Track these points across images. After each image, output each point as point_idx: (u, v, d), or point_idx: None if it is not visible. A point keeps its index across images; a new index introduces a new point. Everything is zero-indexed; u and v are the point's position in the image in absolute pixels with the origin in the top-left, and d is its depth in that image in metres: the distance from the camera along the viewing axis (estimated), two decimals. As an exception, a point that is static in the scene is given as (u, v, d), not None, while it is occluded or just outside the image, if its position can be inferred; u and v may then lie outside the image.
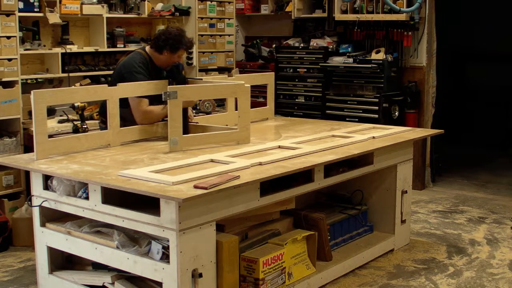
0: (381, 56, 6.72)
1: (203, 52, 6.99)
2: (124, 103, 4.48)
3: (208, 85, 4.62)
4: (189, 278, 3.34)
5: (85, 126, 4.59)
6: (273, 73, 6.09)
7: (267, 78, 5.69)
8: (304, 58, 7.28)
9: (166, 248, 3.39)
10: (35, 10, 5.44)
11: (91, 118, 5.40)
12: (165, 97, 4.14)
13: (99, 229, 3.75)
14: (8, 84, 5.13)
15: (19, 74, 5.20)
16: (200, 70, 6.95)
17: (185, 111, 4.40)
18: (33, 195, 3.97)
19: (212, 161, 3.88)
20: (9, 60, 5.12)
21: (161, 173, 3.53)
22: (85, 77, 5.94)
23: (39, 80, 5.62)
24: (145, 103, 4.57)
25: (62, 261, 4.11)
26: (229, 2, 7.34)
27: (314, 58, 7.19)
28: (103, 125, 4.56)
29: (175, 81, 4.62)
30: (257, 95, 6.67)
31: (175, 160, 3.89)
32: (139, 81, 4.53)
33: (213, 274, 3.50)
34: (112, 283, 3.72)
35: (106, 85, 4.40)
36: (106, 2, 6.07)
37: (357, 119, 6.55)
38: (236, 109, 4.78)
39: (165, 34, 4.68)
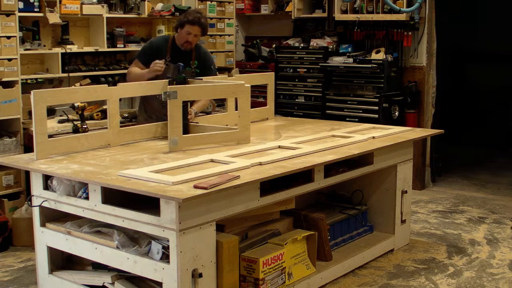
0: (381, 56, 6.72)
1: (203, 52, 6.98)
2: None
3: (208, 85, 4.62)
4: (189, 278, 3.34)
5: (85, 126, 4.59)
6: (273, 73, 6.09)
7: (267, 78, 5.69)
8: (304, 58, 7.28)
9: (166, 248, 3.39)
10: (35, 10, 5.44)
11: (91, 118, 5.40)
12: (165, 97, 4.14)
13: (99, 229, 3.75)
14: (8, 84, 5.13)
15: (19, 74, 5.20)
16: (200, 70, 6.94)
17: (185, 110, 4.41)
18: (33, 195, 3.97)
19: (212, 161, 3.88)
20: (9, 60, 5.12)
21: (161, 173, 3.53)
22: (85, 77, 5.94)
23: (39, 80, 5.61)
24: (133, 64, 5.11)
25: (62, 261, 4.11)
26: (229, 2, 7.34)
27: (314, 58, 7.19)
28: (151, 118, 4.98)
29: (175, 81, 4.63)
30: (257, 95, 6.67)
31: (175, 160, 3.89)
32: (137, 58, 5.13)
33: (213, 274, 3.50)
34: (112, 283, 3.72)
35: (106, 85, 4.40)
36: (106, 2, 6.06)
37: (357, 119, 6.55)
38: (236, 109, 4.79)
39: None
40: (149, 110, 5.13)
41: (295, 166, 3.81)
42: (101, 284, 3.78)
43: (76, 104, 4.60)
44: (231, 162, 3.79)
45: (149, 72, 4.86)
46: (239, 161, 3.79)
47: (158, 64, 4.81)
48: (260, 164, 3.80)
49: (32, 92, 3.91)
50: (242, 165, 3.70)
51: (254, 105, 5.20)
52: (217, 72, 5.53)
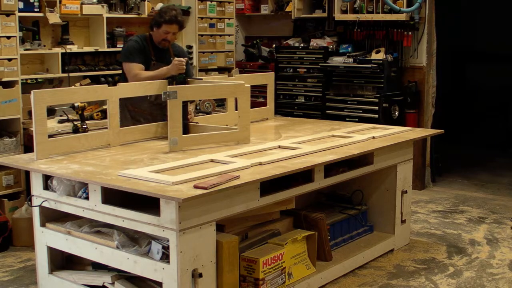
0: (381, 56, 6.72)
1: (203, 52, 6.99)
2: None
3: (208, 85, 4.62)
4: (189, 278, 3.34)
5: (85, 126, 4.59)
6: (273, 73, 6.09)
7: (267, 78, 5.69)
8: (304, 58, 7.28)
9: (166, 248, 3.39)
10: (35, 10, 5.44)
11: (91, 118, 5.39)
12: (165, 97, 4.14)
13: (99, 229, 3.75)
14: (8, 84, 5.13)
15: (19, 74, 5.20)
16: (200, 70, 6.95)
17: (185, 110, 4.41)
18: (33, 195, 3.97)
19: (212, 161, 3.88)
20: (9, 60, 5.12)
21: (161, 173, 3.53)
22: (85, 77, 5.94)
23: (39, 80, 5.61)
24: (136, 67, 4.81)
25: (62, 261, 4.11)
26: (229, 2, 7.34)
27: (314, 58, 7.19)
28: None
29: (175, 81, 4.63)
30: (257, 95, 6.67)
31: (175, 160, 3.89)
32: (132, 60, 4.83)
33: (213, 274, 3.50)
34: (112, 283, 3.72)
35: (106, 85, 4.40)
36: (106, 2, 6.07)
37: (357, 119, 6.55)
38: (236, 109, 4.79)
39: (157, 12, 5.00)
40: (136, 114, 4.94)
41: (295, 166, 3.80)
42: (101, 284, 3.78)
43: (76, 104, 4.60)
44: (231, 162, 3.79)
45: (172, 70, 4.68)
46: (239, 161, 3.79)
47: (183, 62, 4.70)
48: (260, 164, 3.80)
49: (32, 92, 3.91)
50: (242, 165, 3.69)
51: (254, 105, 5.20)
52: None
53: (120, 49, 6.15)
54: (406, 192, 5.00)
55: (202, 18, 6.96)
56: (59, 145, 4.07)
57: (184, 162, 3.79)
